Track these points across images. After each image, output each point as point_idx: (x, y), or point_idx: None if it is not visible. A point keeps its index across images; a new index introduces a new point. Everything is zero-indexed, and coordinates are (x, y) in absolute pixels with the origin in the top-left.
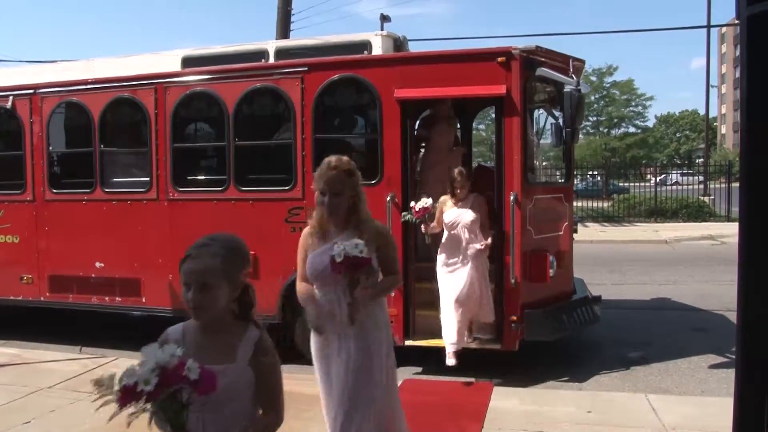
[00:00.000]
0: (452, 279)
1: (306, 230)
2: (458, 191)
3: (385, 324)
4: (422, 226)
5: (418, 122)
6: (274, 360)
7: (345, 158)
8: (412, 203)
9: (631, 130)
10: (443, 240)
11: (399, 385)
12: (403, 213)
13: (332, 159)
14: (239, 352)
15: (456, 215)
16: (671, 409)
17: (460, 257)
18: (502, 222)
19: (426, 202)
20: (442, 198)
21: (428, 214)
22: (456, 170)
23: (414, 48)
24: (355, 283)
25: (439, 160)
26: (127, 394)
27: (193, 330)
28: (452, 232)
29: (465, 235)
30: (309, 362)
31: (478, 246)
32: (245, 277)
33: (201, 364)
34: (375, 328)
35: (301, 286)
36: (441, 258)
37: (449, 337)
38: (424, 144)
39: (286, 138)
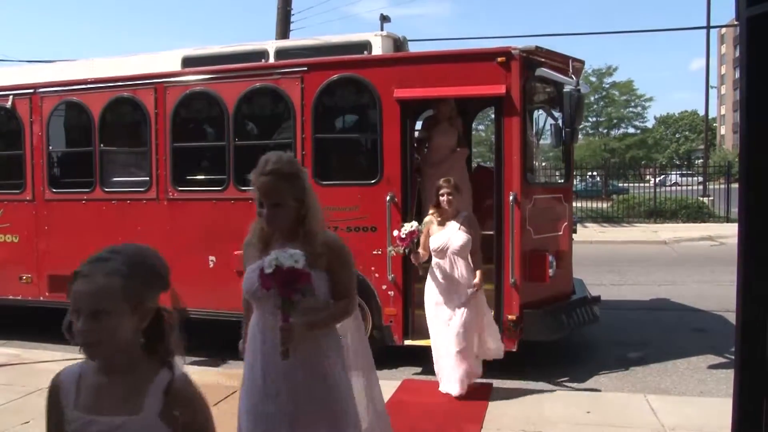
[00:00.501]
0: (442, 320)
1: (246, 239)
2: (444, 201)
3: (336, 348)
4: (412, 257)
5: (421, 123)
6: (193, 414)
7: (286, 157)
8: (396, 232)
9: (631, 130)
10: (431, 266)
11: (399, 385)
12: (389, 248)
13: (270, 159)
14: (147, 401)
15: (444, 240)
16: (670, 410)
17: (450, 294)
18: (501, 222)
19: (411, 225)
20: (428, 218)
21: (416, 239)
22: (442, 179)
23: (414, 48)
24: (290, 303)
25: (440, 159)
26: None
27: (92, 371)
28: (440, 258)
29: (455, 262)
30: None
31: (469, 292)
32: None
33: (97, 414)
34: (321, 355)
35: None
36: (428, 288)
37: (439, 376)
38: (427, 144)
39: (286, 138)
